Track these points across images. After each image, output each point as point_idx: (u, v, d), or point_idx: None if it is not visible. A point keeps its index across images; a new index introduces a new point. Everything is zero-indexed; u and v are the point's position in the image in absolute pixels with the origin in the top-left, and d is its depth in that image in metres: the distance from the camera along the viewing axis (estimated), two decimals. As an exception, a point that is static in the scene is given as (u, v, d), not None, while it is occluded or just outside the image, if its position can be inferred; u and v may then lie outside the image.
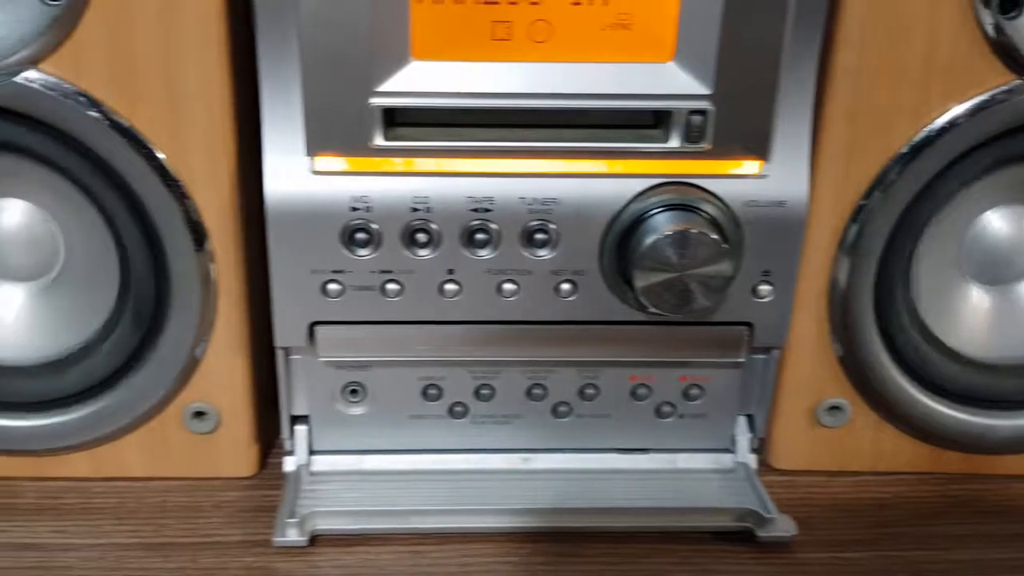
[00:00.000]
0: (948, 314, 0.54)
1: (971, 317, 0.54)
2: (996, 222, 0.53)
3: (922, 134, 0.48)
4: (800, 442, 0.56)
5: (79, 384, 0.53)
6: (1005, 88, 0.47)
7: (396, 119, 0.47)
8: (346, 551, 0.50)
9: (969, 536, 0.53)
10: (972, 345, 0.54)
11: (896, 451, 0.56)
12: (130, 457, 0.55)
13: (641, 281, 0.47)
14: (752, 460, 0.56)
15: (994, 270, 0.54)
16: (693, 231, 0.46)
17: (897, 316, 0.53)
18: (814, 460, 0.56)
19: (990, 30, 0.46)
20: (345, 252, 0.49)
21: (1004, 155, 0.50)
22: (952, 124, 0.48)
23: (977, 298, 0.54)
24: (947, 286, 0.54)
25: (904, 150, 0.48)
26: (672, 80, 0.46)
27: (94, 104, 0.46)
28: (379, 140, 0.47)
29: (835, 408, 0.55)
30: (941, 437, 0.55)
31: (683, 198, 0.48)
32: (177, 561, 0.49)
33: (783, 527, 0.51)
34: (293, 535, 0.50)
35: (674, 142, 0.47)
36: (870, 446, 0.56)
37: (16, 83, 0.46)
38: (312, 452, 0.55)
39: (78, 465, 0.55)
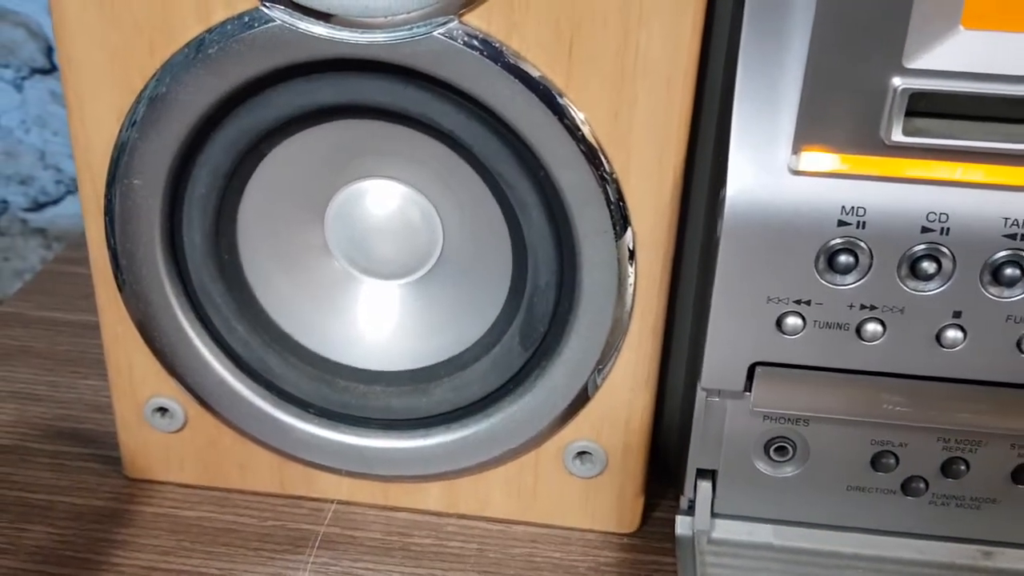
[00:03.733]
0: None
1: None
2: None
3: None
4: None
5: (446, 404, 0.44)
6: None
7: (917, 108, 0.35)
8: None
9: None
10: None
11: None
12: (493, 495, 0.46)
13: None
14: None
15: None
16: None
17: None
18: None
19: None
20: (819, 278, 0.37)
21: None
22: None
23: None
24: None
25: None
26: None
27: (525, 68, 0.36)
28: (896, 134, 0.35)
29: None
30: None
31: None
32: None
33: None
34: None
35: None
36: None
37: (433, 38, 0.36)
38: (713, 515, 0.44)
39: (430, 498, 0.46)
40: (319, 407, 0.45)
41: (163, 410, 0.46)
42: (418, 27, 0.36)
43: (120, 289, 0.43)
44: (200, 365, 0.44)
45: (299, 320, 0.45)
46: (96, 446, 0.50)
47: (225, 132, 0.39)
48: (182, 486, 0.48)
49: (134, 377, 0.45)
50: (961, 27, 0.33)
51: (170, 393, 0.45)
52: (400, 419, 0.45)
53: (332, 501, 0.47)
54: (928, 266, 0.36)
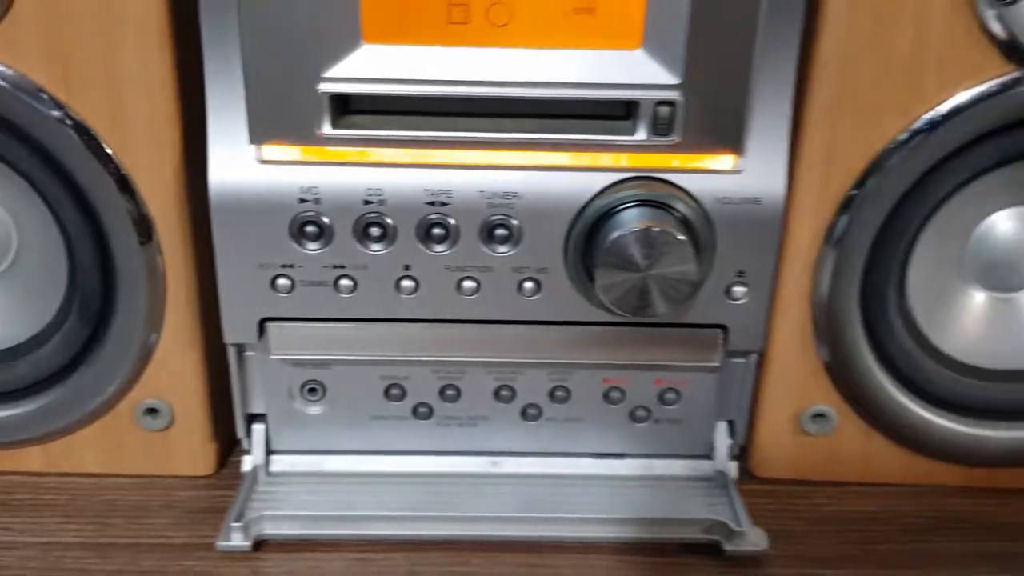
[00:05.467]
0: (946, 319, 0.51)
1: (971, 323, 0.51)
2: (1003, 224, 0.50)
3: (912, 128, 0.45)
4: (782, 450, 0.53)
5: (29, 377, 0.51)
6: (1004, 79, 0.44)
7: (348, 106, 0.44)
8: (292, 557, 0.48)
9: (964, 554, 0.49)
10: (970, 352, 0.51)
11: (885, 461, 0.53)
12: (84, 453, 0.53)
13: (602, 280, 0.44)
14: (732, 468, 0.53)
15: (998, 275, 0.50)
16: (657, 229, 0.43)
17: (888, 320, 0.50)
18: (797, 469, 0.53)
19: (986, 17, 0.42)
20: (294, 246, 0.46)
21: (1005, 152, 0.46)
22: (945, 117, 0.44)
23: (979, 304, 0.51)
24: (947, 290, 0.51)
25: (892, 145, 0.45)
26: (639, 68, 0.43)
27: (31, 87, 0.44)
28: (327, 129, 0.44)
29: (820, 416, 0.52)
30: (934, 448, 0.52)
31: (651, 194, 0.45)
32: (116, 563, 0.48)
33: (752, 541, 0.48)
34: (237, 539, 0.48)
35: (641, 134, 0.44)
36: (858, 456, 0.53)
37: (-50, 67, 0.43)
38: (271, 452, 0.53)
39: (31, 459, 0.53)
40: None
41: None
42: (-67, 57, 0.43)
43: None
44: None
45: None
46: None
47: None
48: None
49: None
50: (363, 42, 0.43)
51: None
52: (-7, 393, 0.52)
53: (-56, 471, 0.53)
54: (375, 231, 0.46)
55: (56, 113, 0.45)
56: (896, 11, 0.43)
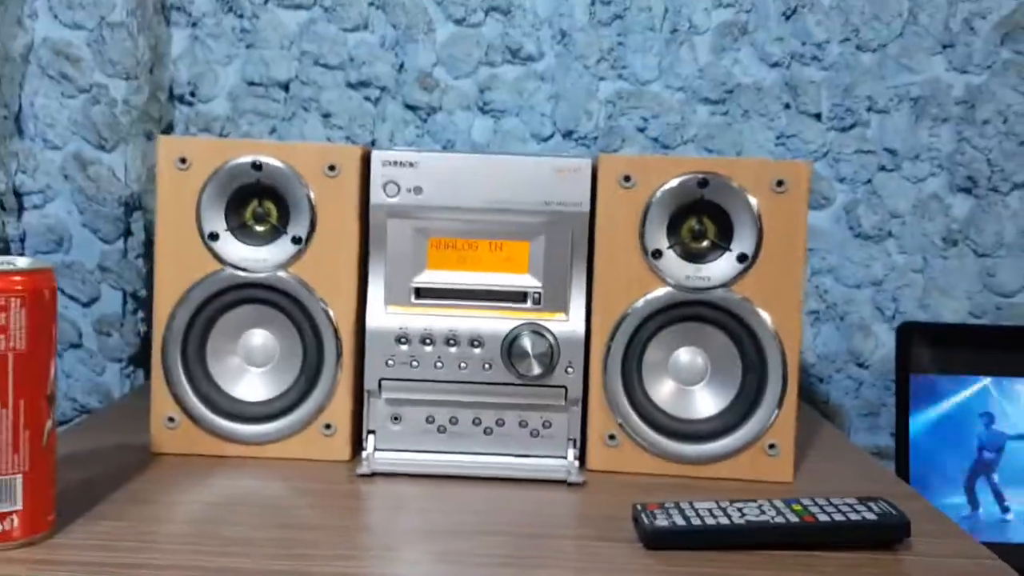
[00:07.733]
0: (661, 393, 1.22)
1: (672, 396, 1.22)
2: (683, 355, 1.23)
3: (631, 307, 1.20)
4: (598, 453, 1.22)
5: (279, 410, 1.23)
6: (661, 290, 1.19)
7: (421, 293, 1.21)
8: (388, 480, 1.17)
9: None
10: (673, 409, 1.22)
11: (644, 461, 1.21)
12: (297, 448, 1.23)
13: (515, 360, 1.18)
14: (576, 462, 1.22)
15: (682, 377, 1.23)
16: (535, 338, 1.18)
17: (635, 393, 1.21)
18: (606, 464, 1.22)
19: (652, 264, 1.19)
20: (394, 347, 1.21)
21: (669, 319, 1.20)
22: (644, 303, 1.19)
23: (673, 388, 1.23)
24: (659, 380, 1.22)
25: (620, 317, 1.20)
26: (526, 280, 1.20)
27: (308, 286, 1.21)
28: (413, 300, 1.20)
29: (612, 436, 1.22)
30: (663, 455, 1.21)
31: (533, 327, 1.19)
32: (313, 484, 1.16)
33: (579, 478, 1.17)
34: (364, 469, 1.17)
35: (528, 304, 1.20)
36: (632, 457, 1.21)
37: (277, 276, 1.21)
38: (376, 449, 1.23)
39: (273, 451, 1.24)
40: (227, 412, 1.23)
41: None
42: (270, 274, 1.21)
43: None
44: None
45: (240, 384, 1.24)
46: None
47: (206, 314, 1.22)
48: (173, 453, 1.24)
49: (160, 405, 1.24)
50: (427, 268, 1.20)
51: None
52: (260, 417, 1.23)
53: (232, 456, 1.24)
54: (426, 344, 1.20)
55: (319, 302, 1.21)
56: (621, 260, 1.19)
